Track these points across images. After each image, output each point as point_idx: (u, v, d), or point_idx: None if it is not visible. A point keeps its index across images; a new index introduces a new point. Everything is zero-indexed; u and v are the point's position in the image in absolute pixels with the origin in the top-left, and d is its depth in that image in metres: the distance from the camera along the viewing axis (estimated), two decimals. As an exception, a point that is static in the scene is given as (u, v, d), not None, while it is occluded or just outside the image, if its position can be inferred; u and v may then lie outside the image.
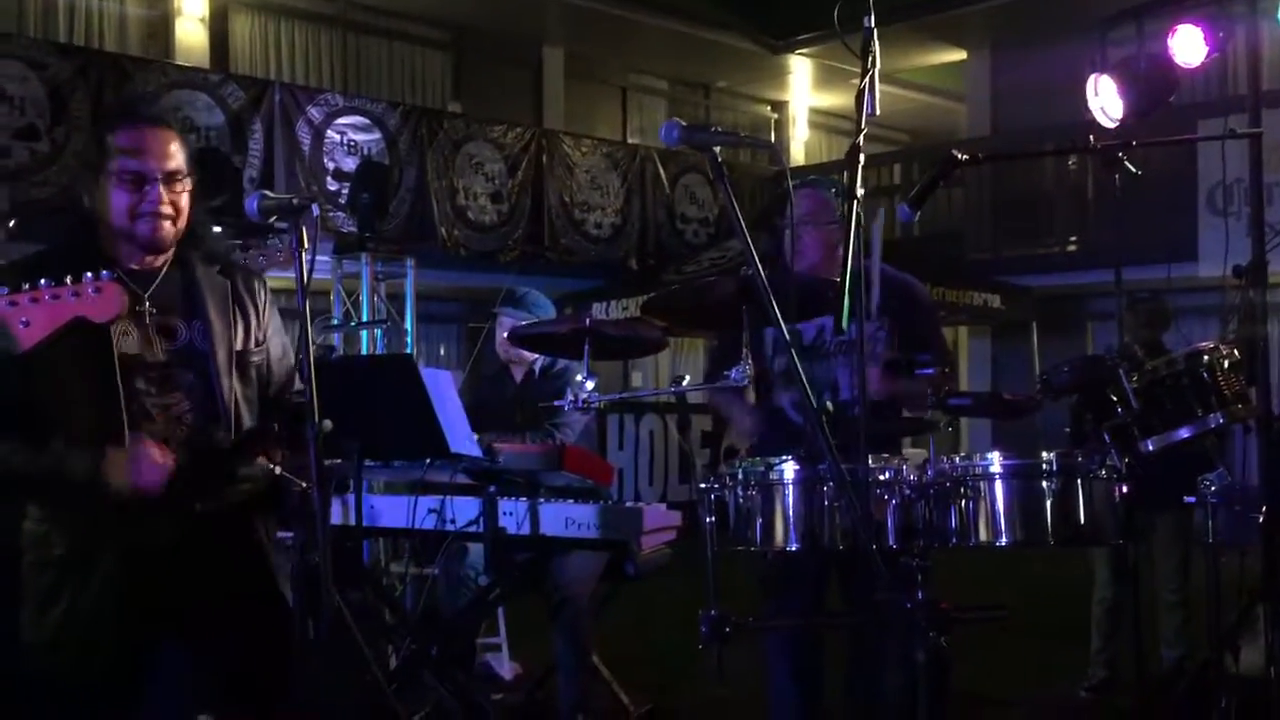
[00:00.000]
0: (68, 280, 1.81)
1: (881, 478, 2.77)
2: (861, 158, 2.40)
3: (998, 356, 13.24)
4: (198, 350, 2.53)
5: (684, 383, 3.04)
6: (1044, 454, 2.81)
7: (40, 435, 2.40)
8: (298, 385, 2.75)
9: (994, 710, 4.91)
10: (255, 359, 2.64)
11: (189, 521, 2.49)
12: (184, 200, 2.54)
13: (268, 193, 2.53)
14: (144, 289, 2.52)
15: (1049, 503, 2.78)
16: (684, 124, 2.33)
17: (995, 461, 2.80)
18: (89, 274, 1.83)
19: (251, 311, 2.66)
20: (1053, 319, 12.14)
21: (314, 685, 2.80)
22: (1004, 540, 2.78)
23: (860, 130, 2.41)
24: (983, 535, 2.79)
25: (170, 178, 2.49)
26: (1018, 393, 3.26)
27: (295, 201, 2.50)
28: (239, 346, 2.61)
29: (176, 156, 2.52)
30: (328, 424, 2.37)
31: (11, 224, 3.31)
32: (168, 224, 2.51)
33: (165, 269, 2.57)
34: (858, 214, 2.37)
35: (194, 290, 2.57)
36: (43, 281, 1.80)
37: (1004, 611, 2.81)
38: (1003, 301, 11.69)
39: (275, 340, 2.72)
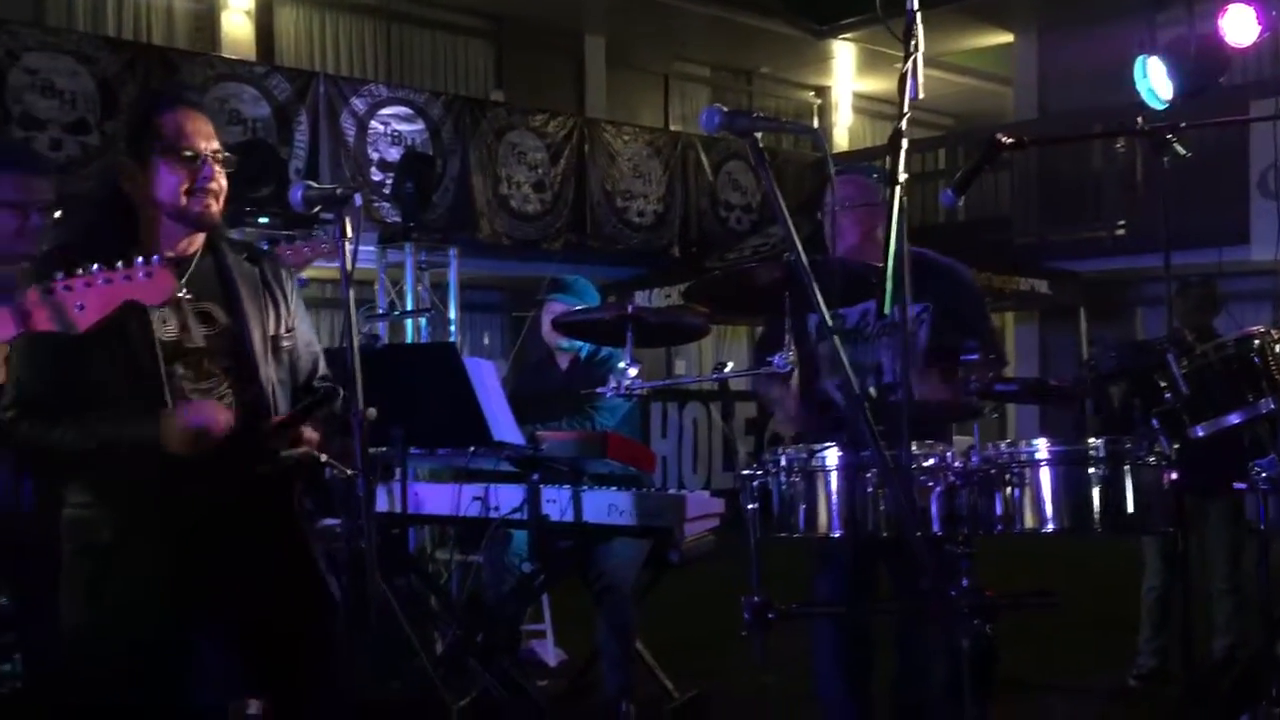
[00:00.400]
0: (119, 264, 1.84)
1: (925, 464, 2.76)
2: (904, 142, 2.38)
3: (1045, 342, 13.10)
4: (234, 335, 2.56)
5: (726, 370, 3.03)
6: (1091, 440, 2.79)
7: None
8: (322, 371, 2.78)
9: (1041, 697, 4.87)
10: (286, 344, 2.67)
11: (230, 500, 2.51)
12: (224, 181, 2.58)
13: (311, 183, 2.57)
14: (180, 275, 2.52)
15: (1096, 490, 2.76)
16: (724, 109, 2.32)
17: (1041, 447, 2.78)
18: (140, 258, 1.85)
19: (280, 297, 2.68)
20: (1101, 304, 12.00)
21: (360, 670, 2.83)
22: (1050, 527, 2.76)
23: (903, 115, 2.39)
24: (1029, 522, 2.77)
25: (215, 157, 2.53)
26: (1065, 379, 3.22)
27: (338, 192, 2.53)
28: (272, 331, 2.63)
29: (217, 138, 2.57)
30: (372, 412, 2.39)
31: (57, 215, 3.36)
32: (215, 202, 2.55)
33: (199, 256, 2.60)
34: (900, 199, 2.35)
35: (227, 277, 2.59)
36: (95, 266, 1.83)
37: (1052, 599, 2.79)
38: (1050, 287, 11.56)
39: (302, 327, 2.74)
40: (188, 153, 2.49)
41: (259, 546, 2.56)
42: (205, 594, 2.52)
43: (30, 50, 8.32)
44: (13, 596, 3.64)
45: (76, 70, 8.44)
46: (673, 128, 14.24)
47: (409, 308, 7.25)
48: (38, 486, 3.23)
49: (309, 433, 2.57)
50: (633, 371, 3.11)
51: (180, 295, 2.51)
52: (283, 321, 2.67)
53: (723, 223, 12.59)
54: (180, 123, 2.51)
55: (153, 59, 9.07)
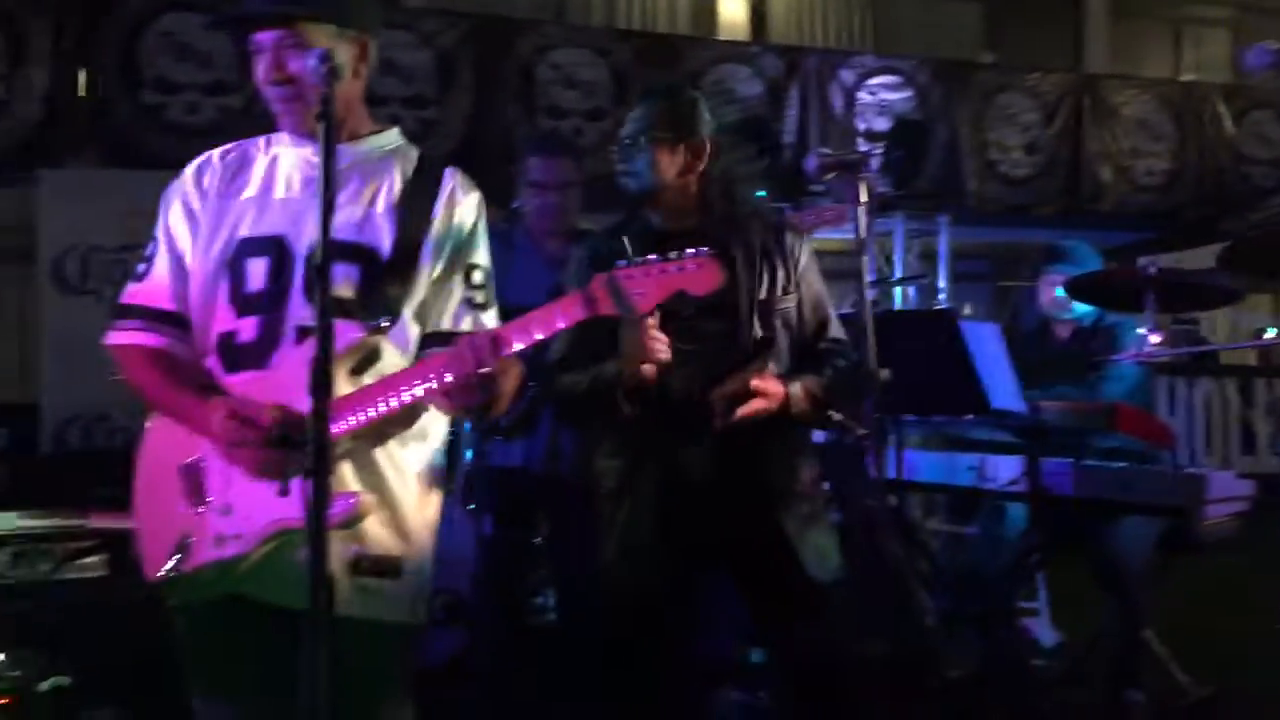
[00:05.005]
0: (672, 255, 2.00)
1: None
2: None
3: None
4: (723, 301, 2.68)
5: (1266, 336, 2.75)
6: None
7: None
8: (833, 333, 2.85)
9: None
10: (781, 307, 2.78)
11: (719, 456, 2.68)
12: None
13: (825, 150, 2.64)
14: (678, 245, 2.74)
15: None
16: (1277, 47, 2.09)
17: None
18: (690, 250, 2.00)
19: (779, 262, 2.79)
20: None
21: (851, 629, 2.89)
22: None
23: None
24: None
25: None
26: None
27: (852, 157, 2.59)
28: (763, 296, 2.75)
29: None
30: (885, 373, 2.43)
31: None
32: None
33: (697, 226, 2.77)
34: None
35: (724, 245, 2.70)
36: (652, 256, 2.00)
37: None
38: None
39: (809, 289, 2.84)
40: None
41: (746, 502, 2.71)
42: (699, 544, 2.71)
43: (555, 47, 9.22)
44: (548, 535, 4.11)
45: (594, 62, 9.24)
46: (1184, 78, 13.02)
47: (898, 276, 7.24)
48: (573, 436, 3.64)
49: (766, 388, 2.66)
50: (1155, 339, 2.91)
51: None
52: (779, 286, 2.78)
53: (1245, 179, 11.34)
54: None
55: (660, 47, 9.71)
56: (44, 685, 2.67)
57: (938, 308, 6.89)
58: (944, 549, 5.29)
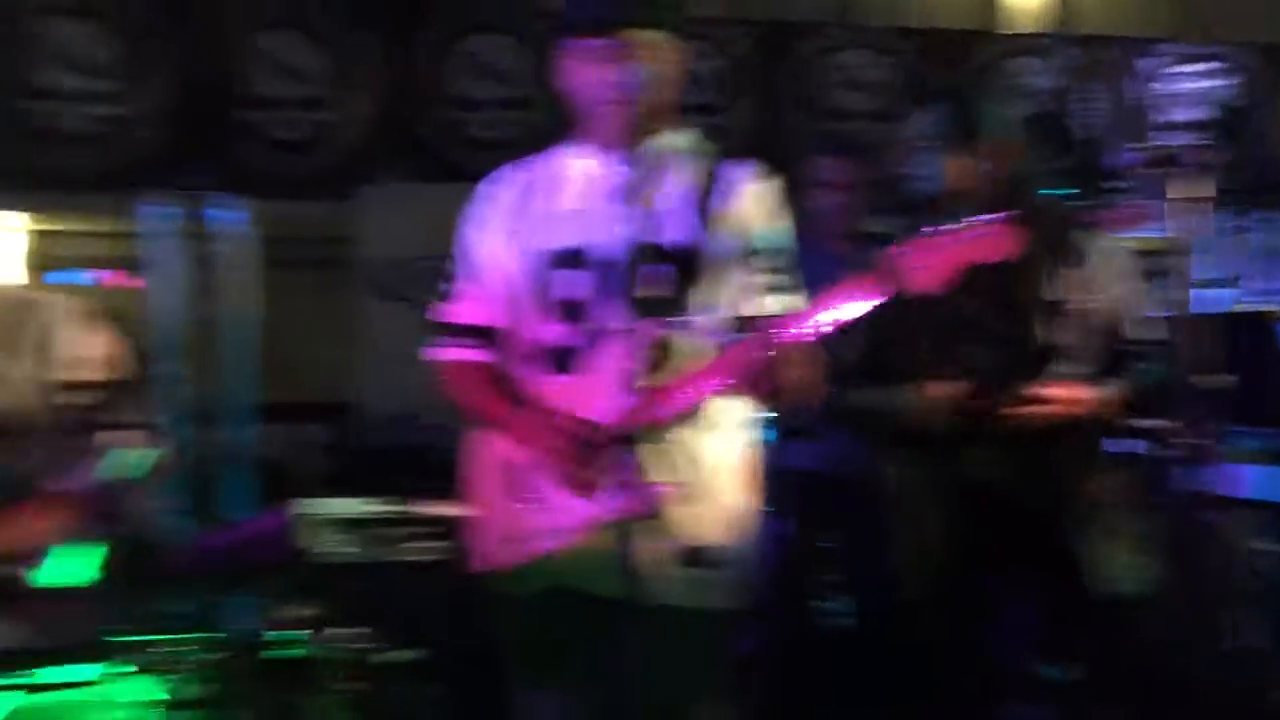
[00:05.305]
0: (955, 225, 1.93)
1: None
2: None
3: None
4: (1012, 301, 2.64)
5: None
6: None
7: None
8: (1134, 335, 2.72)
9: None
10: (1071, 307, 2.68)
11: (1007, 461, 2.64)
12: None
13: (1141, 144, 2.54)
14: None
15: None
16: None
17: None
18: (977, 217, 1.93)
19: (1072, 261, 2.71)
20: None
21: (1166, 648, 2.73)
22: None
23: None
24: None
25: None
26: None
27: (1168, 151, 2.47)
28: (1053, 296, 2.69)
29: None
30: (1225, 380, 2.30)
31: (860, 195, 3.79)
32: None
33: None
34: None
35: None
36: (930, 228, 1.95)
37: None
38: None
39: (1107, 289, 2.75)
40: None
41: (1035, 509, 2.66)
42: (988, 549, 2.66)
43: (839, 49, 9.16)
44: (839, 538, 4.09)
45: (878, 62, 9.12)
46: None
47: (1213, 276, 6.76)
48: (863, 440, 3.62)
49: (1057, 394, 2.56)
50: None
51: None
52: (1070, 286, 2.71)
53: None
54: None
55: (946, 43, 9.46)
56: (383, 659, 2.90)
57: (1254, 310, 6.38)
58: (1274, 569, 4.89)
